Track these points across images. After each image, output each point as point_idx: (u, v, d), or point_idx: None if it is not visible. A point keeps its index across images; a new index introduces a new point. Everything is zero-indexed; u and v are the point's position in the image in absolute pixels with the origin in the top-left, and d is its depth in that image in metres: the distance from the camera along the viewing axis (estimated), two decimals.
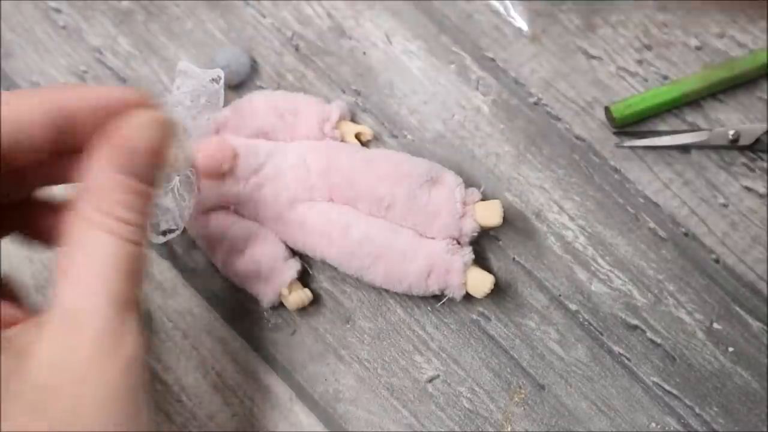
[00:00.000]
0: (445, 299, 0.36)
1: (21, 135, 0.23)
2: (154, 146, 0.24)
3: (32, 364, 0.21)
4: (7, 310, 0.24)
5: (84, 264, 0.22)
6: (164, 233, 0.36)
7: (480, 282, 0.35)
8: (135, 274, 0.23)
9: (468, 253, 0.35)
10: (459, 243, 0.36)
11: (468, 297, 0.36)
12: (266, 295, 0.36)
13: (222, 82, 0.37)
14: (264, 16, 0.41)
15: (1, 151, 0.22)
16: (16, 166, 0.24)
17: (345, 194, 0.35)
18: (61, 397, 0.21)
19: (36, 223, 0.27)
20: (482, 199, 0.36)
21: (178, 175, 0.36)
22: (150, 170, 0.24)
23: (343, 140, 0.38)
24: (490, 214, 0.35)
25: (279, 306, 0.36)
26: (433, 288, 0.35)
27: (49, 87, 0.24)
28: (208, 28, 0.41)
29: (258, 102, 0.37)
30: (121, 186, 0.23)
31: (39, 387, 0.21)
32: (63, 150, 0.24)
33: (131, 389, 0.22)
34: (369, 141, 0.39)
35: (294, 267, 0.36)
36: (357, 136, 0.38)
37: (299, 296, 0.36)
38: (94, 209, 0.23)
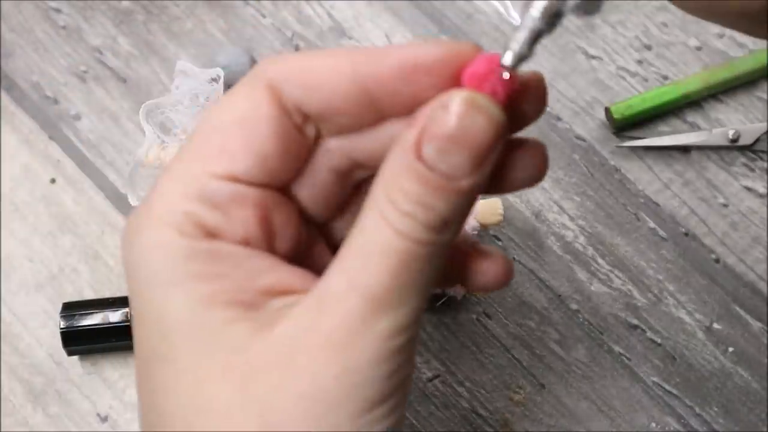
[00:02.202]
0: (444, 298, 0.35)
1: (328, 108, 0.21)
2: (462, 134, 0.19)
3: (266, 340, 0.19)
4: (294, 278, 0.21)
5: (354, 249, 0.20)
6: None
7: None
8: (405, 273, 0.19)
9: None
10: None
11: (468, 296, 0.36)
12: None
13: (221, 81, 0.37)
14: (264, 16, 0.41)
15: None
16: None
17: None
18: (266, 380, 0.19)
19: None
20: (482, 198, 0.36)
21: None
22: (462, 163, 0.19)
23: None
24: (490, 213, 0.35)
25: None
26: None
27: (342, 51, 0.21)
28: (208, 28, 0.41)
29: None
30: (411, 173, 0.19)
31: (255, 366, 0.19)
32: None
33: (342, 395, 0.19)
34: None
35: None
36: None
37: None
38: (381, 193, 0.19)
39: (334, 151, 0.22)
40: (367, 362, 0.19)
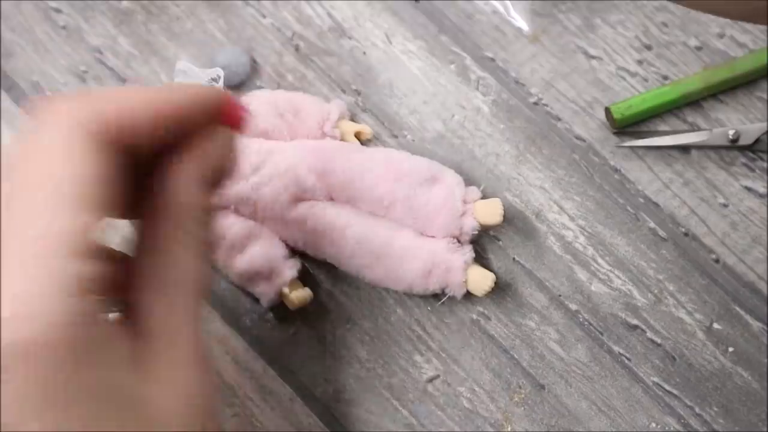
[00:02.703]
0: (445, 298, 0.35)
1: (138, 129, 0.22)
2: (229, 168, 0.24)
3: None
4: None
5: (173, 283, 0.22)
6: None
7: (480, 280, 0.35)
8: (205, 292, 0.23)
9: (468, 252, 0.35)
10: (459, 242, 0.36)
11: (468, 296, 0.36)
12: (267, 295, 0.36)
13: (221, 81, 0.37)
14: (264, 16, 0.41)
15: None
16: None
17: (345, 194, 0.35)
18: None
19: None
20: (482, 199, 0.36)
21: None
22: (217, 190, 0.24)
23: (342, 139, 0.38)
24: (490, 213, 0.35)
25: (279, 306, 0.36)
26: (434, 287, 0.35)
27: (151, 87, 0.25)
28: (208, 28, 0.41)
29: (258, 102, 0.37)
30: (202, 205, 0.23)
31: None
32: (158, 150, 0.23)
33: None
34: (369, 140, 0.39)
35: (294, 266, 0.36)
36: (357, 135, 0.38)
37: (300, 295, 0.35)
38: (179, 226, 0.22)
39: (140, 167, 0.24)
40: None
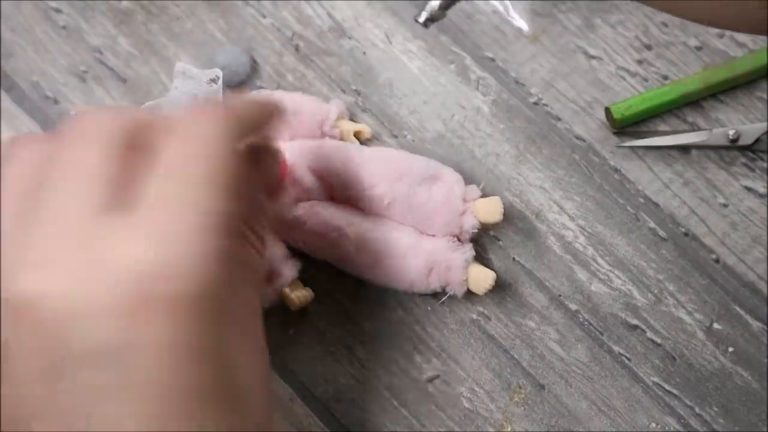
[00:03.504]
0: (445, 297, 0.35)
1: None
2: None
3: None
4: None
5: None
6: None
7: (481, 278, 0.35)
8: None
9: (469, 250, 0.35)
10: (459, 240, 0.36)
11: (468, 296, 0.36)
12: (267, 295, 0.36)
13: (220, 82, 0.37)
14: (264, 16, 0.41)
15: None
16: None
17: (344, 193, 0.35)
18: None
19: None
20: (482, 197, 0.36)
21: None
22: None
23: (342, 139, 0.38)
24: (490, 211, 0.35)
25: (279, 306, 0.36)
26: (434, 285, 0.35)
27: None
28: (208, 28, 0.41)
29: None
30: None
31: None
32: None
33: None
34: (368, 140, 0.39)
35: (295, 267, 0.36)
36: (356, 135, 0.38)
37: (301, 296, 0.35)
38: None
39: None
40: None
